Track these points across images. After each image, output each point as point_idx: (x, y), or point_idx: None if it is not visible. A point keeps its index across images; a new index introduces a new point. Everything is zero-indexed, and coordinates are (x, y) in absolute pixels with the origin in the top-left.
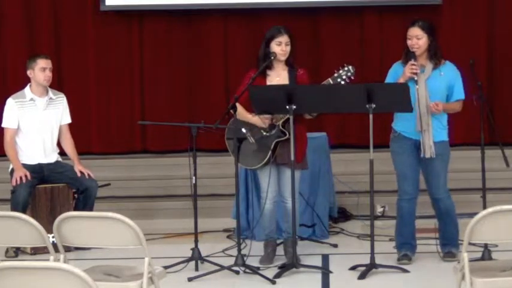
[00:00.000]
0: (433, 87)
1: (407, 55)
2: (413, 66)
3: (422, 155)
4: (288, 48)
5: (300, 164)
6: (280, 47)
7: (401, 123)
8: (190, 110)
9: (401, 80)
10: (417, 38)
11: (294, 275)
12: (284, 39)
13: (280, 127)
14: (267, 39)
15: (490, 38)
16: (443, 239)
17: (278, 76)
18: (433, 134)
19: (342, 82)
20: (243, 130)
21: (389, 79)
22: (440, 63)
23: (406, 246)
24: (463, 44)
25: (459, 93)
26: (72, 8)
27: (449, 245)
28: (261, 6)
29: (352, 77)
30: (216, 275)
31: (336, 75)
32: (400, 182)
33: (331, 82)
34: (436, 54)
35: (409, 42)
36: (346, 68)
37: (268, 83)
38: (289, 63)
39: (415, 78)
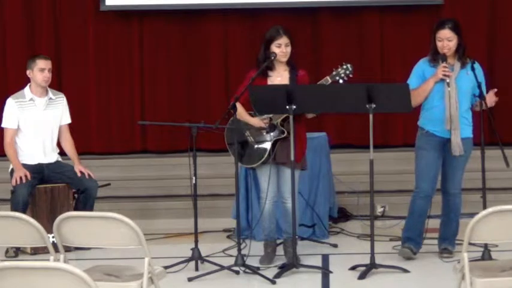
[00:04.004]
0: (461, 86)
1: (437, 56)
2: (446, 69)
3: (452, 154)
4: (288, 49)
5: (299, 164)
6: (280, 48)
7: (430, 123)
8: (190, 110)
9: (432, 81)
10: (448, 40)
11: (294, 275)
12: (283, 40)
13: (279, 125)
14: (267, 40)
15: (490, 38)
16: (443, 234)
17: (279, 76)
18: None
19: (341, 80)
20: (246, 133)
21: (414, 76)
22: (467, 62)
23: (410, 242)
24: None
25: (484, 91)
26: (72, 8)
27: (447, 240)
28: (261, 6)
29: (351, 75)
30: (216, 275)
31: (334, 73)
32: (418, 178)
33: (330, 80)
34: (464, 54)
35: (439, 44)
36: (344, 66)
37: (270, 83)
38: (291, 64)
39: (447, 81)
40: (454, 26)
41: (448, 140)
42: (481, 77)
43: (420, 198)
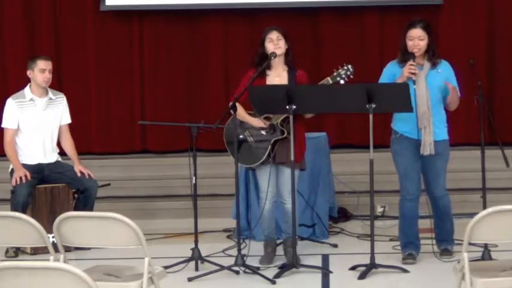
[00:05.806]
0: (431, 84)
1: (406, 55)
2: (412, 67)
3: (421, 153)
4: (281, 42)
5: (298, 164)
6: (273, 43)
7: (402, 124)
8: (190, 110)
9: (400, 81)
10: (419, 39)
11: (294, 275)
12: (274, 34)
13: (279, 125)
14: (261, 40)
15: (490, 38)
16: (439, 236)
17: (278, 76)
18: (434, 131)
19: (342, 81)
20: (241, 136)
21: (383, 79)
22: (438, 62)
23: (411, 246)
24: (463, 44)
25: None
26: (72, 8)
27: (445, 241)
28: (261, 6)
29: (352, 76)
30: (216, 275)
31: (335, 73)
32: (403, 182)
33: (330, 81)
34: (434, 54)
35: (410, 43)
36: (345, 67)
37: (268, 83)
38: (289, 63)
39: (413, 78)
40: (425, 25)
41: (420, 142)
42: (449, 74)
43: (408, 201)
